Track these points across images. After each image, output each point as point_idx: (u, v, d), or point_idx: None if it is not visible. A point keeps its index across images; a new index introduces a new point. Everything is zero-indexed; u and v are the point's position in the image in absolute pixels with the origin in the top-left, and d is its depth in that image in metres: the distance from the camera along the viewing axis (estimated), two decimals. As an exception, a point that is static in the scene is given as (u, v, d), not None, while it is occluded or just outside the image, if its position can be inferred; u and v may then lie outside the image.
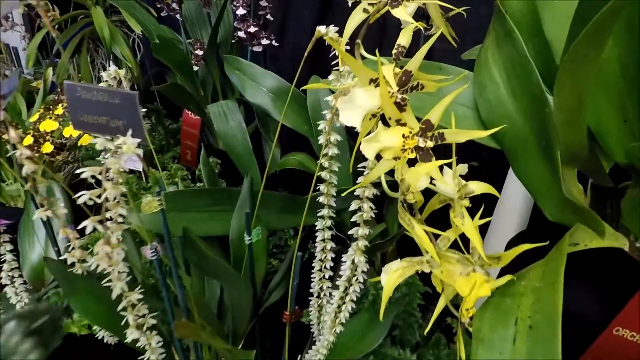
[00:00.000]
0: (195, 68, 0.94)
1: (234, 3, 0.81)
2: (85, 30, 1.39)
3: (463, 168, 0.31)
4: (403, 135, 0.27)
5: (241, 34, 0.82)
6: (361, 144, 0.27)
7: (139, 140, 0.27)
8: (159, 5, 0.96)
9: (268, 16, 0.83)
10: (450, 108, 0.38)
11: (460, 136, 0.28)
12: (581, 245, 0.32)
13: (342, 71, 0.32)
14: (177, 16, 0.95)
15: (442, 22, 0.35)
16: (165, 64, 0.90)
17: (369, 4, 0.31)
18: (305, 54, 0.33)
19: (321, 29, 0.32)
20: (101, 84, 0.49)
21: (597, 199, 0.40)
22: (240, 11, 0.78)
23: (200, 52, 0.93)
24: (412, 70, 0.27)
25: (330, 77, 0.34)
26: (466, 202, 0.28)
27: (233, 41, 0.90)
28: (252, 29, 0.80)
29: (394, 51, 0.30)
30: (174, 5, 0.93)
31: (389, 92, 0.26)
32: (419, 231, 0.25)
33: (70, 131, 0.90)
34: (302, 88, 0.35)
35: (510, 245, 0.47)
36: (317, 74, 1.18)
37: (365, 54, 0.31)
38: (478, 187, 0.28)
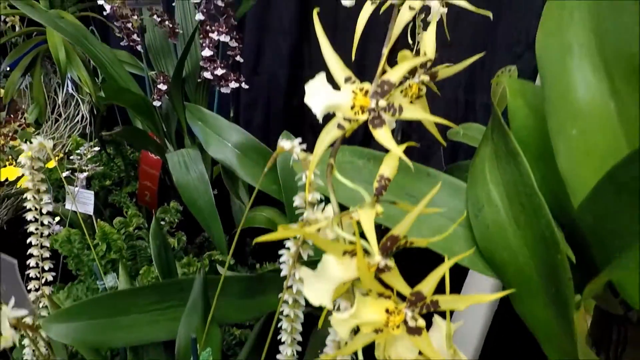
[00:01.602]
0: (157, 103, 0.86)
1: (201, 41, 0.74)
2: (40, 47, 1.27)
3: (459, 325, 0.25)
4: (387, 310, 0.20)
5: (207, 74, 0.74)
6: (331, 317, 0.20)
7: (22, 313, 0.19)
8: (118, 34, 0.88)
9: (238, 57, 0.76)
10: (437, 223, 0.32)
11: (460, 303, 0.22)
12: (595, 413, 0.26)
13: (311, 199, 0.26)
14: (138, 47, 0.87)
15: (434, 129, 0.30)
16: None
17: (345, 119, 0.24)
18: (265, 170, 0.26)
19: (285, 144, 0.26)
20: (22, 156, 0.41)
21: (601, 321, 0.35)
22: (207, 52, 0.71)
23: (163, 87, 0.85)
24: (400, 234, 0.20)
25: (296, 202, 0.27)
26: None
27: (199, 80, 0.82)
28: (219, 72, 0.72)
29: (375, 185, 0.24)
30: (135, 36, 0.84)
31: (370, 263, 0.20)
32: None
33: (7, 174, 0.80)
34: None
35: None
36: (293, 123, 1.12)
37: (341, 178, 0.25)
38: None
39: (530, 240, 0.27)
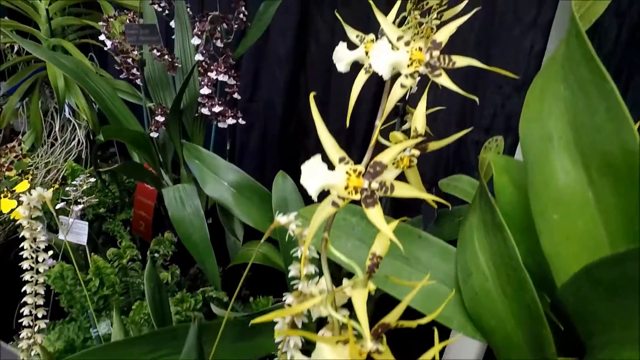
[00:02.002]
0: (155, 135, 0.87)
1: (200, 79, 0.75)
2: (39, 73, 1.29)
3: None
4: (378, 394, 0.21)
5: (205, 111, 0.76)
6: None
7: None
8: (117, 68, 0.89)
9: (235, 95, 0.78)
10: (429, 286, 0.33)
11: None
12: None
13: (306, 274, 0.27)
14: (138, 81, 0.88)
15: (425, 195, 0.31)
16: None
17: (339, 197, 0.25)
18: (263, 239, 0.27)
19: (281, 219, 0.27)
20: (20, 207, 0.41)
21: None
22: (205, 90, 0.72)
23: (161, 119, 0.86)
24: (391, 322, 0.21)
25: (291, 272, 0.28)
26: None
27: (197, 114, 0.84)
28: (217, 109, 0.74)
29: (367, 262, 0.25)
30: (135, 70, 0.86)
31: (362, 349, 0.21)
32: None
33: (1, 206, 0.80)
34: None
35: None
36: (288, 148, 1.14)
37: (334, 252, 0.26)
38: None
39: (517, 310, 0.28)
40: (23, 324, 0.43)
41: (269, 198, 0.64)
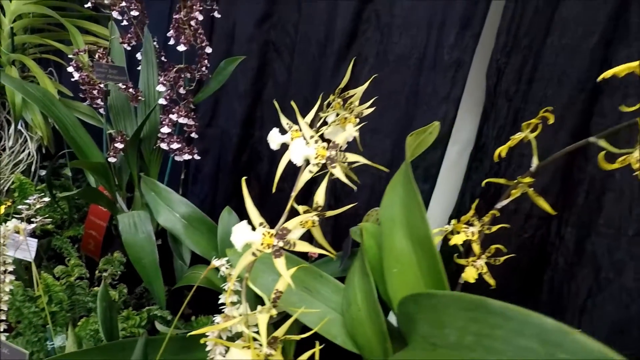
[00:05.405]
0: (113, 160, 0.94)
1: (161, 118, 0.85)
2: (-7, 83, 1.29)
3: None
4: (269, 384, 0.33)
5: (164, 146, 0.85)
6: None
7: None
8: (82, 95, 0.96)
9: (193, 134, 0.88)
10: (323, 311, 0.45)
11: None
12: None
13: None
14: (101, 110, 0.95)
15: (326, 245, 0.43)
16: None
17: (257, 250, 0.37)
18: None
19: (216, 262, 0.38)
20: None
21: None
22: (165, 130, 0.82)
23: (120, 146, 0.94)
24: (279, 336, 0.33)
25: (221, 299, 0.39)
26: None
27: (155, 147, 0.92)
28: (175, 146, 0.83)
29: (272, 296, 0.36)
30: (99, 101, 0.93)
31: (259, 353, 0.32)
32: None
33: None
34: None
35: None
36: (241, 174, 1.23)
37: (252, 287, 0.37)
38: None
39: (377, 333, 0.41)
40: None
41: (216, 229, 0.74)
